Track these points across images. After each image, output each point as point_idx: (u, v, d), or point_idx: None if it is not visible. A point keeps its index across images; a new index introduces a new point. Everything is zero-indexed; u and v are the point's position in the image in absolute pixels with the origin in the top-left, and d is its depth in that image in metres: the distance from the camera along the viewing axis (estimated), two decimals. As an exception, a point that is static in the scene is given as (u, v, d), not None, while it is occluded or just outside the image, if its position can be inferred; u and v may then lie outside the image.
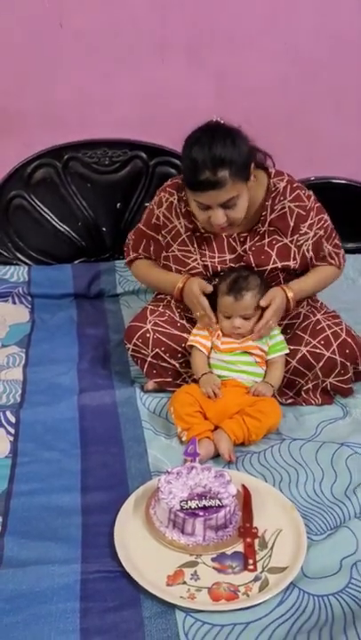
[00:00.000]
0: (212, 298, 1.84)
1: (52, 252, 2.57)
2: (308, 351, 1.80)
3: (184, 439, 1.67)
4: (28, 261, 2.56)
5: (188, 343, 1.83)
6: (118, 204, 2.54)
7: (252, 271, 1.82)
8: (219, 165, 1.63)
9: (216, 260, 1.85)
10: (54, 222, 2.54)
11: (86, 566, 1.34)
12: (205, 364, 1.81)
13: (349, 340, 1.81)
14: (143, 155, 2.50)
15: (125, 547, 1.37)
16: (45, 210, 2.52)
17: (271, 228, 1.83)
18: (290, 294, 1.82)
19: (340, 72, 2.45)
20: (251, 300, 1.77)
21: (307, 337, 1.82)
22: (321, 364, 1.79)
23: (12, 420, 1.76)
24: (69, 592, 1.28)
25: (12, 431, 1.72)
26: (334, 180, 2.52)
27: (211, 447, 1.64)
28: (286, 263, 1.84)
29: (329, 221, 1.90)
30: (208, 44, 2.38)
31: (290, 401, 1.86)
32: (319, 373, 1.81)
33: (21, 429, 1.73)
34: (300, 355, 1.81)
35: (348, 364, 1.80)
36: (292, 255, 1.84)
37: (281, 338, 1.83)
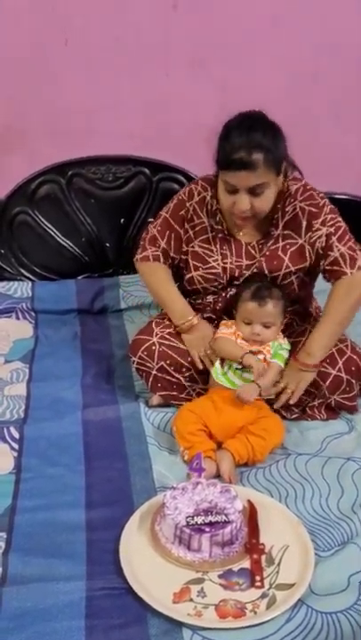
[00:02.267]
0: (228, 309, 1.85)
1: (56, 268, 2.57)
2: None
3: (186, 458, 1.66)
4: (31, 277, 2.56)
5: (215, 336, 1.79)
6: (122, 220, 2.55)
7: (274, 285, 1.80)
8: (255, 147, 1.64)
9: (234, 264, 1.84)
10: (58, 238, 2.55)
11: (91, 583, 1.32)
12: (237, 346, 1.75)
13: (355, 357, 1.80)
14: (147, 171, 2.51)
15: (131, 563, 1.36)
16: (49, 226, 2.53)
17: (285, 232, 1.81)
18: (303, 362, 1.76)
19: (341, 84, 2.46)
20: (273, 309, 1.74)
21: None
22: (328, 382, 1.79)
23: (16, 435, 1.75)
24: (74, 609, 1.26)
25: (16, 447, 1.71)
26: (336, 196, 2.52)
27: (213, 467, 1.61)
28: (300, 266, 1.82)
29: (343, 224, 1.80)
30: (211, 57, 2.39)
31: (295, 416, 1.85)
32: (326, 392, 1.80)
33: (25, 445, 1.72)
34: None
35: (354, 381, 1.79)
36: (306, 254, 1.81)
37: (285, 354, 1.78)
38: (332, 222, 1.78)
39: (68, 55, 2.35)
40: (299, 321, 1.93)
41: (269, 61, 2.39)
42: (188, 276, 1.89)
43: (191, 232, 1.87)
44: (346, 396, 1.80)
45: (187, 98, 2.42)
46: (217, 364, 1.79)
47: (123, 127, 2.46)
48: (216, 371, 1.79)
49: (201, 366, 1.82)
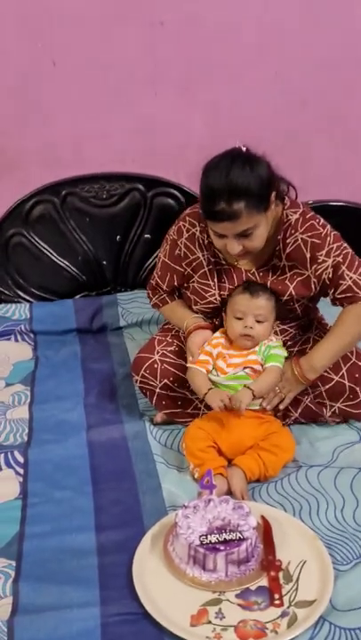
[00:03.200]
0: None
1: (53, 288, 2.55)
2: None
3: (196, 476, 1.63)
4: (29, 298, 2.54)
5: (188, 365, 1.76)
6: (118, 237, 2.53)
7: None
8: (235, 196, 1.56)
9: None
10: (54, 258, 2.52)
11: (106, 609, 1.29)
12: (207, 380, 1.71)
13: (360, 363, 1.77)
14: (141, 187, 2.49)
15: (145, 587, 1.32)
16: (45, 246, 2.51)
17: (290, 263, 1.75)
18: (296, 370, 1.73)
19: (330, 100, 2.47)
20: (266, 302, 1.71)
21: None
22: (327, 386, 1.76)
23: (21, 460, 1.72)
24: (90, 638, 1.23)
25: (21, 471, 1.68)
26: (331, 203, 2.52)
27: (224, 484, 1.58)
28: (303, 295, 1.77)
29: (349, 249, 1.75)
30: (200, 76, 2.39)
31: (293, 417, 1.80)
32: (324, 395, 1.77)
33: (30, 469, 1.68)
34: None
35: (358, 388, 1.76)
36: (312, 286, 1.76)
37: (279, 352, 1.73)
38: (338, 251, 1.72)
39: (58, 78, 2.35)
40: (301, 332, 1.90)
41: (258, 81, 2.40)
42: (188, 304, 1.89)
43: (189, 269, 1.83)
44: (349, 403, 1.77)
45: (177, 117, 2.42)
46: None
47: (115, 147, 2.45)
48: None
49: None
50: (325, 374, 1.76)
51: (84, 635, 1.23)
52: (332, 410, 1.79)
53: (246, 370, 1.71)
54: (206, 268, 1.80)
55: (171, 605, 1.28)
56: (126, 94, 2.40)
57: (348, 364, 1.76)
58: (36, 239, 2.50)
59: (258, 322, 1.71)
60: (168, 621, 1.24)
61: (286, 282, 1.76)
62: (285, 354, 1.76)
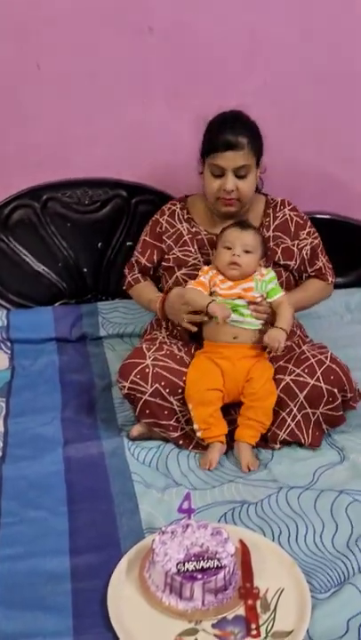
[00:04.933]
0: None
1: (32, 295, 2.49)
2: (291, 380, 1.76)
3: (199, 435, 1.76)
4: (6, 305, 2.48)
5: (186, 287, 1.86)
6: (99, 244, 2.49)
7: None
8: (240, 131, 1.86)
9: None
10: (33, 264, 2.47)
11: (79, 639, 1.25)
12: (208, 295, 1.82)
13: (334, 365, 1.77)
14: (124, 193, 2.45)
15: (120, 615, 1.29)
16: (24, 251, 2.46)
17: (275, 233, 2.00)
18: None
19: (320, 111, 2.46)
20: (254, 237, 1.83)
21: (291, 366, 1.79)
22: (305, 392, 1.75)
23: (-6, 476, 1.67)
24: (61, 669, 1.19)
25: (-5, 489, 1.63)
26: (318, 216, 2.50)
27: (223, 449, 1.75)
28: (288, 262, 2.00)
29: (320, 239, 2.08)
30: (188, 83, 2.36)
31: (281, 439, 1.79)
32: (305, 403, 1.76)
33: (4, 486, 1.64)
34: (283, 384, 1.77)
35: (335, 390, 1.76)
36: (294, 256, 2.02)
37: (274, 284, 1.85)
38: (315, 235, 2.08)
39: (42, 81, 2.30)
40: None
41: (247, 90, 2.37)
42: (171, 279, 1.99)
43: (170, 241, 2.02)
44: (330, 406, 1.76)
45: (164, 124, 2.38)
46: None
47: (99, 153, 2.41)
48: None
49: (195, 329, 1.85)
50: (301, 379, 1.75)
51: (55, 666, 1.20)
52: (316, 417, 1.77)
53: (240, 301, 1.80)
54: (186, 237, 2.00)
55: (145, 635, 1.25)
56: (112, 100, 2.36)
57: (323, 368, 1.76)
58: (15, 244, 2.45)
59: (246, 252, 1.81)
60: (143, 653, 1.21)
61: (273, 247, 1.99)
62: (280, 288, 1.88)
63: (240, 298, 1.81)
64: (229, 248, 1.81)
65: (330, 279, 2.10)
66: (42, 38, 2.26)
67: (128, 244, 2.47)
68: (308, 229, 2.06)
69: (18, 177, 2.39)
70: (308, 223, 2.08)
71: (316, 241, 2.07)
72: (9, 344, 2.31)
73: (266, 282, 1.83)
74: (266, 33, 2.33)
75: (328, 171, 2.53)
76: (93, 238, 2.48)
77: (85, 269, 2.51)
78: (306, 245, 2.03)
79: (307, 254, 2.04)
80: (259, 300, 1.82)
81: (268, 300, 1.83)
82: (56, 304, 2.50)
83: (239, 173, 1.88)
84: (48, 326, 2.36)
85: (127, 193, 2.46)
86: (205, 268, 1.89)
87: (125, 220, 2.48)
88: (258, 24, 2.32)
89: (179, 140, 2.38)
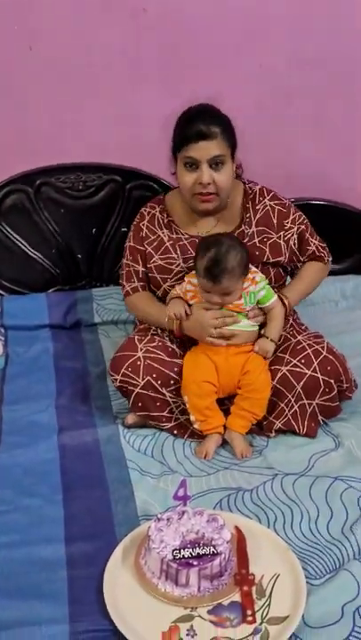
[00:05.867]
0: None
1: (26, 281, 2.47)
2: (288, 370, 1.76)
3: (197, 426, 1.76)
4: None
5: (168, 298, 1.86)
6: (94, 230, 2.47)
7: (231, 242, 1.74)
8: (210, 121, 1.79)
9: None
10: (27, 250, 2.45)
11: (75, 626, 1.25)
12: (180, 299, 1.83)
13: (330, 356, 1.77)
14: (118, 178, 2.43)
15: (116, 602, 1.29)
16: (17, 237, 2.44)
17: (259, 228, 1.92)
18: (286, 302, 1.88)
19: (316, 95, 2.43)
20: (229, 282, 1.72)
21: (287, 357, 1.78)
22: (302, 383, 1.75)
23: (-11, 464, 1.67)
24: (58, 656, 1.19)
25: (-11, 477, 1.63)
26: (313, 202, 2.49)
27: (220, 440, 1.75)
28: (278, 259, 1.93)
29: (307, 219, 2.01)
30: (182, 66, 2.33)
31: (277, 427, 1.79)
32: (302, 394, 1.76)
33: (-1, 474, 1.63)
34: (280, 374, 1.77)
35: (332, 381, 1.76)
36: (282, 250, 1.93)
37: (264, 291, 1.80)
38: (301, 220, 1.99)
39: (35, 65, 2.27)
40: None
41: (242, 73, 2.35)
42: (159, 291, 1.94)
43: (150, 248, 1.94)
44: (326, 397, 1.77)
45: (157, 108, 2.35)
46: None
47: (92, 137, 2.39)
48: None
49: (225, 343, 1.79)
50: (298, 370, 1.75)
51: (52, 653, 1.20)
52: (312, 409, 1.77)
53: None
54: (168, 244, 1.92)
55: (141, 622, 1.25)
56: (106, 82, 2.34)
57: (320, 358, 1.76)
58: (8, 230, 2.43)
59: (225, 294, 1.74)
60: (139, 639, 1.21)
61: (259, 245, 1.91)
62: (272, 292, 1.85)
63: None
64: (208, 292, 1.74)
65: (326, 258, 2.03)
66: (34, 20, 2.23)
67: (123, 229, 2.44)
68: (292, 216, 1.96)
69: (10, 161, 2.37)
70: (292, 209, 1.99)
71: (303, 226, 1.98)
72: (2, 331, 2.30)
73: (254, 293, 1.79)
74: (261, 16, 2.31)
75: (324, 156, 2.51)
76: (87, 224, 2.47)
77: (79, 255, 2.49)
78: (293, 235, 1.95)
79: (295, 244, 1.96)
80: (249, 311, 1.79)
81: (260, 306, 1.81)
82: (50, 290, 2.49)
83: (214, 164, 1.79)
84: (42, 313, 2.35)
85: (121, 178, 2.44)
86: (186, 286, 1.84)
87: (120, 206, 2.46)
88: (253, 7, 2.29)
89: (172, 124, 2.35)
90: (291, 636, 1.23)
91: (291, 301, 1.90)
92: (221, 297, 1.75)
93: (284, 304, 1.86)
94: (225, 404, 1.83)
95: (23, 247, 2.45)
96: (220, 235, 1.81)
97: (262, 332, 1.81)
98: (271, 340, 1.79)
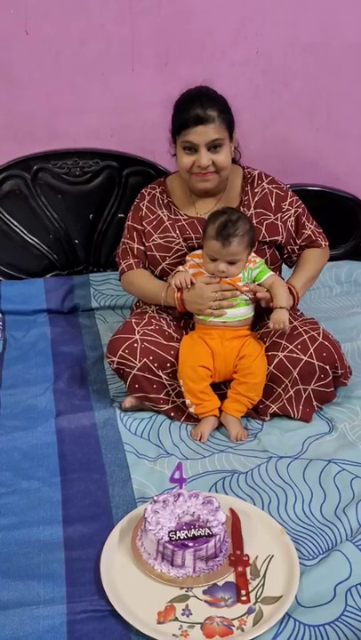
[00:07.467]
0: None
1: (23, 266, 2.48)
2: (284, 356, 1.78)
3: (192, 410, 1.78)
4: (-3, 276, 2.48)
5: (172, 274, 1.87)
6: (91, 216, 2.47)
7: (242, 214, 1.82)
8: (208, 105, 1.80)
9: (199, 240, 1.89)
10: (24, 235, 2.45)
11: (72, 606, 1.28)
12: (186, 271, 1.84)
13: (326, 342, 1.79)
14: (115, 164, 2.43)
15: (113, 583, 1.31)
16: (14, 222, 2.44)
17: (257, 210, 1.94)
18: (294, 292, 1.89)
19: (313, 82, 2.43)
20: (238, 247, 1.76)
21: (283, 342, 1.79)
22: (298, 369, 1.77)
23: (-13, 447, 1.69)
24: (56, 635, 1.22)
25: (-12, 460, 1.65)
26: (309, 187, 2.49)
27: (215, 423, 1.78)
28: (274, 238, 1.95)
29: (303, 204, 2.04)
30: (179, 51, 2.32)
31: (272, 411, 1.82)
32: (298, 379, 1.78)
33: (-3, 457, 1.65)
34: (277, 360, 1.78)
35: (327, 367, 1.78)
36: (279, 230, 1.96)
37: (259, 269, 1.82)
38: (298, 203, 2.02)
39: (31, 49, 2.26)
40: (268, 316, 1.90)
41: (239, 59, 2.34)
42: (158, 270, 1.96)
43: (149, 227, 1.96)
44: (321, 383, 1.79)
45: (154, 93, 2.35)
46: None
47: (89, 123, 2.38)
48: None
49: (224, 313, 1.81)
50: (294, 355, 1.77)
51: (50, 632, 1.22)
52: (307, 394, 1.79)
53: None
54: (167, 223, 1.95)
55: (138, 602, 1.28)
56: (102, 68, 2.32)
57: (316, 344, 1.78)
58: (6, 215, 2.43)
59: (231, 263, 1.77)
60: (135, 619, 1.24)
61: (257, 226, 1.92)
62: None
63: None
64: (214, 260, 1.77)
65: (323, 243, 2.04)
66: (30, 3, 2.20)
67: (120, 215, 2.45)
68: (289, 199, 1.99)
69: (7, 147, 2.36)
70: (289, 193, 2.01)
71: (300, 210, 2.00)
72: (0, 315, 2.31)
73: (252, 270, 1.81)
74: (259, 2, 2.29)
75: (319, 142, 2.51)
76: (84, 210, 2.47)
77: (77, 241, 2.49)
78: (290, 217, 1.98)
79: (292, 225, 1.98)
80: (244, 288, 1.81)
81: (258, 283, 1.82)
82: (47, 275, 2.49)
83: (213, 147, 1.81)
84: (39, 298, 2.36)
85: (118, 164, 2.43)
86: (198, 252, 1.86)
87: (117, 192, 2.46)
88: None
89: (169, 110, 2.34)
90: (284, 616, 1.26)
91: (298, 290, 1.91)
92: (227, 266, 1.76)
93: (292, 293, 1.87)
94: (222, 388, 1.85)
95: (20, 233, 2.45)
96: (230, 208, 1.86)
97: (271, 304, 1.79)
98: (281, 307, 1.77)
